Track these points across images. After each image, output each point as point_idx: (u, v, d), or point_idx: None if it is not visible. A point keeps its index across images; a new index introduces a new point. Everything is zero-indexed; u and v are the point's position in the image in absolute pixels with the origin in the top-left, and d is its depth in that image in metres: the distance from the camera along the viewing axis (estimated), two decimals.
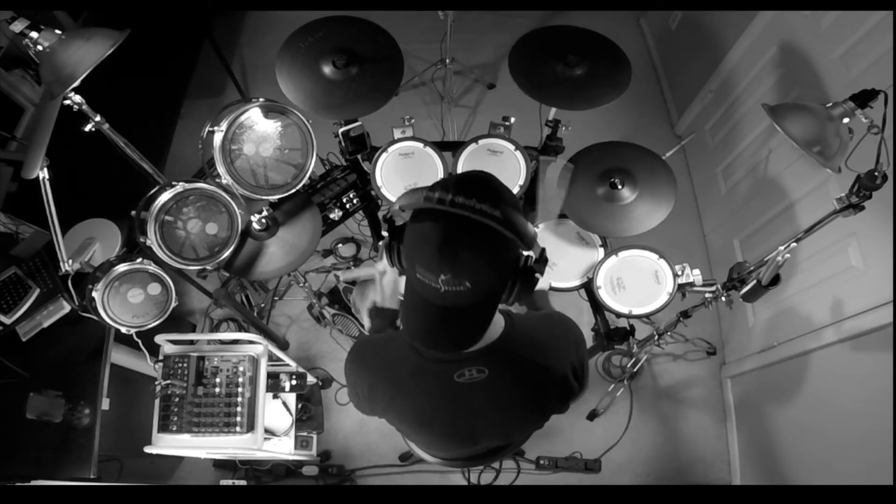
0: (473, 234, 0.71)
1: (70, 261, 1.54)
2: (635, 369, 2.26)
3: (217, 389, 1.58)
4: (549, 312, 1.07)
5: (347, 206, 1.85)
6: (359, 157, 1.84)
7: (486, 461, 1.51)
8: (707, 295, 1.65)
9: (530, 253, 0.77)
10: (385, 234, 0.86)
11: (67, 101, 1.31)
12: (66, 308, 1.72)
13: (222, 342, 1.67)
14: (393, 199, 1.68)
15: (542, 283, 1.32)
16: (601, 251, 1.71)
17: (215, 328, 2.50)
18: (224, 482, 2.11)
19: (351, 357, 1.02)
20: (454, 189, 0.71)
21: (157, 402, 1.56)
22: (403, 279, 1.21)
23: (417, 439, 1.30)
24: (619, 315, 1.61)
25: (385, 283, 1.22)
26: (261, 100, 1.51)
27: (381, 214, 1.83)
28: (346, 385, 1.12)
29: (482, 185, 0.74)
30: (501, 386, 0.91)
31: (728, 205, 2.48)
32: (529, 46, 1.65)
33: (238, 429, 1.55)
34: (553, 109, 1.73)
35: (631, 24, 3.34)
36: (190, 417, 1.55)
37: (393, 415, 1.01)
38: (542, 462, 2.23)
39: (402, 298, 1.21)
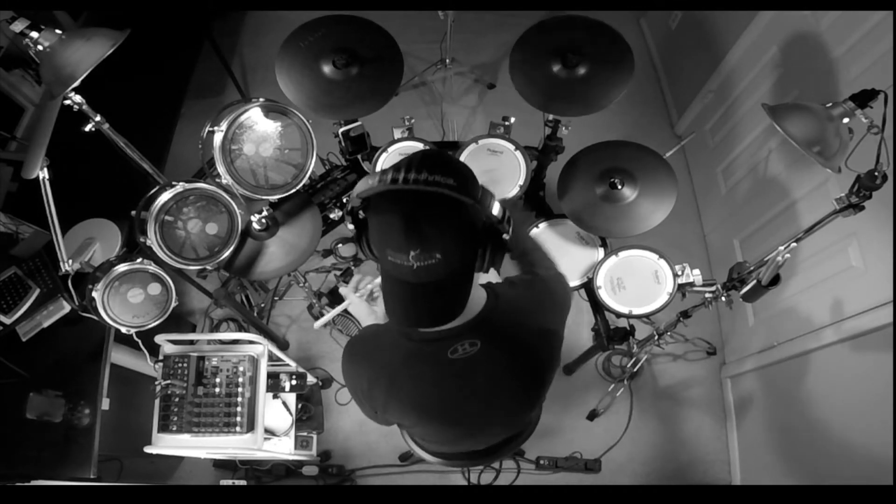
0: (433, 205, 0.73)
1: (70, 261, 1.54)
2: (635, 369, 2.26)
3: (217, 389, 1.58)
4: (532, 279, 1.08)
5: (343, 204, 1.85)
6: (359, 157, 1.84)
7: (488, 460, 1.50)
8: (707, 295, 1.65)
9: (493, 212, 0.78)
10: (351, 226, 0.88)
11: (67, 101, 1.31)
12: (66, 308, 1.72)
13: (222, 342, 1.67)
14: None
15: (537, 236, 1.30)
16: (601, 251, 1.71)
17: (215, 328, 2.50)
18: (224, 482, 2.11)
19: (345, 356, 1.02)
20: (405, 168, 0.73)
21: (157, 402, 1.56)
22: (367, 304, 1.24)
23: (422, 430, 1.27)
24: (619, 315, 1.62)
25: (356, 312, 1.25)
26: (261, 100, 1.51)
27: (338, 214, 1.83)
28: (346, 387, 1.12)
29: (431, 159, 0.76)
30: (496, 355, 0.92)
31: (728, 205, 2.48)
32: (530, 46, 1.64)
33: (238, 429, 1.55)
34: None
35: (631, 24, 3.34)
36: (190, 417, 1.55)
37: (395, 407, 1.00)
38: (542, 462, 2.23)
39: (377, 309, 1.24)
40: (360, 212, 0.84)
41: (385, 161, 1.75)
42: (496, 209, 0.77)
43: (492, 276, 1.20)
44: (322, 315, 2.17)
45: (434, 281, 0.76)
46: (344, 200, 1.86)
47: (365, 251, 0.88)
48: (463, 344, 0.89)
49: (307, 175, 1.61)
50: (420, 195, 0.73)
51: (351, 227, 0.87)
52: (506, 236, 0.80)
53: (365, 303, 1.25)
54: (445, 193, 0.72)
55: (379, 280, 1.24)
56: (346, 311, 1.30)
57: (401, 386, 0.96)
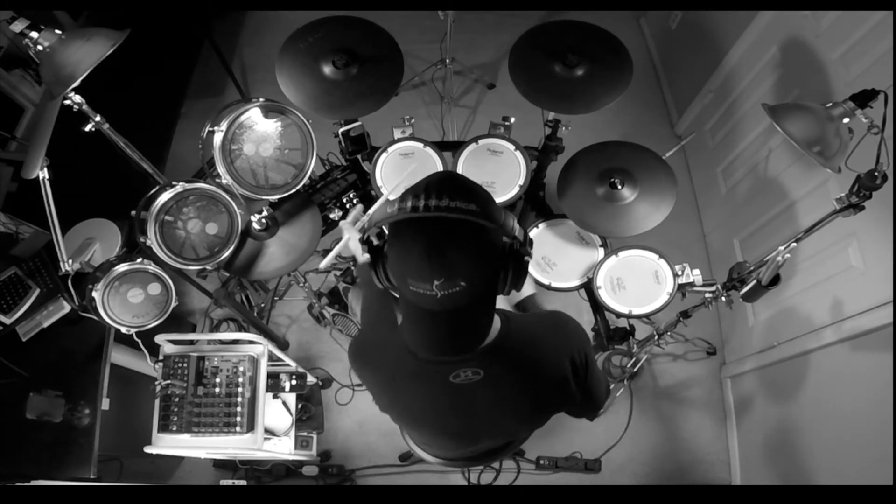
0: (456, 232, 0.71)
1: (70, 261, 1.54)
2: (635, 369, 2.26)
3: (217, 389, 1.58)
4: (547, 312, 1.06)
5: (347, 206, 1.85)
6: (359, 157, 1.84)
7: (487, 461, 1.51)
8: (707, 295, 1.64)
9: (514, 239, 0.77)
10: (366, 256, 0.85)
11: (67, 101, 1.31)
12: (66, 308, 1.72)
13: (222, 342, 1.67)
14: (393, 199, 1.68)
15: (529, 289, 1.32)
16: (601, 251, 1.71)
17: (215, 328, 2.50)
18: (224, 482, 2.11)
19: (353, 356, 1.03)
20: (425, 194, 0.70)
21: (157, 402, 1.56)
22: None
23: (420, 437, 1.30)
24: (619, 315, 1.61)
25: (354, 248, 1.23)
26: (261, 100, 1.51)
27: (338, 214, 1.83)
28: (348, 384, 1.13)
29: (451, 183, 0.74)
30: (497, 385, 0.91)
31: (728, 205, 2.48)
32: (530, 46, 1.64)
33: (238, 429, 1.55)
34: None
35: (631, 24, 3.34)
36: (190, 417, 1.55)
37: (396, 414, 1.03)
38: (542, 462, 2.23)
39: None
40: (375, 240, 0.83)
41: (385, 161, 1.75)
42: (518, 231, 0.76)
43: (502, 303, 1.19)
44: (323, 314, 2.17)
45: (458, 308, 0.75)
46: (354, 201, 1.85)
47: (381, 280, 0.85)
48: (466, 371, 0.87)
49: (307, 175, 1.61)
50: (442, 222, 0.70)
51: (366, 256, 0.85)
52: (527, 258, 0.79)
53: (354, 234, 1.23)
54: (469, 220, 0.70)
55: (377, 208, 1.24)
56: (347, 310, 1.30)
57: (404, 400, 0.98)
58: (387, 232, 0.80)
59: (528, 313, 1.03)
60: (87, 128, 1.38)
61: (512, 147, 1.75)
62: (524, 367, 0.91)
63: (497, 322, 0.90)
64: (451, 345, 0.83)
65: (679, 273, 1.59)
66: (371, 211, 1.23)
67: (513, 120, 1.77)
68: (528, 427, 1.06)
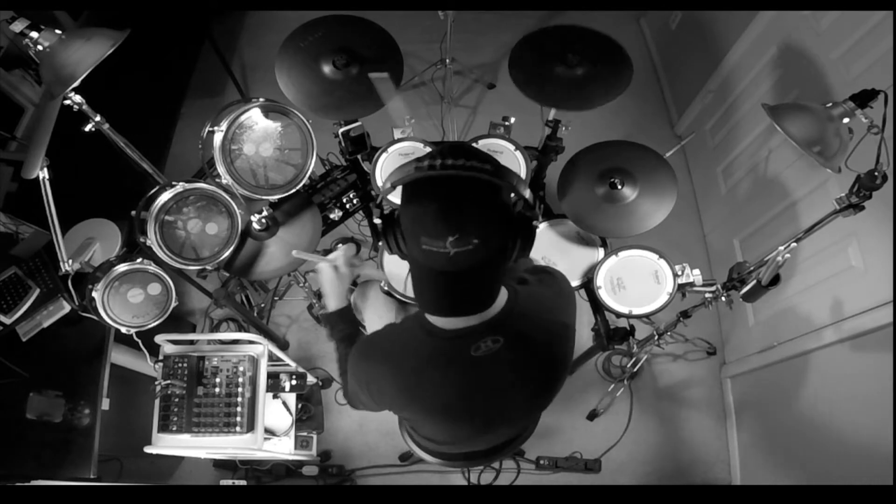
0: (472, 189, 0.75)
1: (70, 261, 1.54)
2: (635, 369, 2.26)
3: (217, 389, 1.58)
4: (542, 270, 1.10)
5: (347, 206, 1.85)
6: (359, 157, 1.84)
7: (487, 460, 1.50)
8: (707, 295, 1.64)
9: (524, 195, 0.79)
10: (378, 221, 0.88)
11: (67, 101, 1.31)
12: (66, 308, 1.72)
13: (222, 342, 1.67)
14: (393, 199, 1.69)
15: None
16: (601, 251, 1.71)
17: (215, 328, 2.50)
18: (224, 482, 2.11)
19: (359, 354, 1.01)
20: (440, 155, 0.74)
21: (157, 402, 1.56)
22: (333, 270, 1.21)
23: (433, 428, 1.24)
24: (619, 315, 1.61)
25: (322, 278, 1.23)
26: (261, 100, 1.51)
27: (338, 214, 1.84)
28: (348, 384, 1.11)
29: (466, 147, 0.77)
30: (519, 351, 0.92)
31: (728, 205, 2.48)
32: (529, 47, 1.64)
33: (238, 429, 1.55)
34: (553, 109, 1.73)
35: (631, 24, 3.34)
36: (190, 417, 1.55)
37: (418, 408, 1.00)
38: (542, 462, 2.23)
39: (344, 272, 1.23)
40: (386, 208, 0.85)
41: (385, 161, 1.75)
42: (528, 194, 0.79)
43: None
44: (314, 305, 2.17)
45: (469, 267, 0.77)
46: (354, 201, 1.85)
47: (391, 245, 0.88)
48: (486, 341, 0.89)
49: (307, 175, 1.61)
50: (458, 180, 0.74)
51: (378, 221, 0.88)
52: (536, 223, 0.82)
53: (332, 268, 1.23)
54: (484, 178, 0.73)
55: (373, 272, 1.24)
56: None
57: (426, 384, 0.95)
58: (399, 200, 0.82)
59: (524, 280, 1.04)
60: (87, 128, 1.38)
61: (512, 147, 1.75)
62: (541, 326, 0.95)
63: (504, 291, 0.92)
64: (460, 303, 0.85)
65: (679, 273, 1.59)
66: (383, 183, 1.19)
67: (513, 120, 1.76)
68: (548, 393, 1.07)
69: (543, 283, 1.05)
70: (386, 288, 1.57)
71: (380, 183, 1.72)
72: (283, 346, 2.43)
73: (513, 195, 0.81)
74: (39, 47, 1.20)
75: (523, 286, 1.00)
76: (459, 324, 0.89)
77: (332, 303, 1.23)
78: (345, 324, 1.22)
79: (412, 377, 0.95)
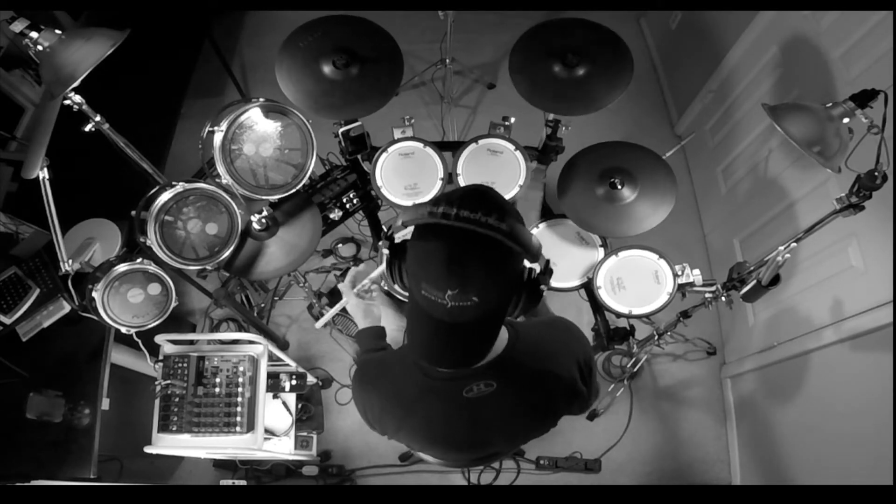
0: (481, 248, 0.70)
1: (70, 261, 1.54)
2: (635, 369, 2.26)
3: (217, 389, 1.58)
4: (551, 318, 1.07)
5: (347, 206, 1.85)
6: (359, 157, 1.84)
7: (488, 462, 1.51)
8: (707, 295, 1.65)
9: (536, 266, 0.77)
10: (385, 251, 0.85)
11: (67, 101, 1.31)
12: (66, 308, 1.72)
13: (222, 342, 1.67)
14: (393, 198, 1.69)
15: None
16: (601, 251, 1.71)
17: (215, 328, 2.50)
18: (224, 482, 2.11)
19: (357, 381, 1.03)
20: (458, 203, 0.69)
21: (157, 402, 1.56)
22: (363, 303, 1.24)
23: (429, 454, 1.30)
24: (619, 315, 1.61)
25: (352, 311, 1.25)
26: (261, 100, 1.51)
27: (338, 214, 1.87)
28: (348, 384, 1.12)
29: (486, 198, 0.72)
30: (510, 396, 0.91)
31: (728, 205, 2.48)
32: (530, 47, 1.64)
33: (238, 429, 1.55)
34: None
35: (631, 24, 3.34)
36: (190, 417, 1.55)
37: (405, 435, 1.01)
38: (542, 462, 2.23)
39: (374, 309, 1.25)
40: (398, 237, 0.82)
41: (385, 161, 1.75)
42: (542, 260, 0.76)
43: None
44: (322, 315, 2.18)
45: (465, 322, 0.74)
46: (354, 201, 1.86)
47: (395, 277, 0.85)
48: (479, 384, 0.87)
49: (307, 175, 1.61)
50: (470, 234, 0.69)
51: (386, 252, 0.84)
52: (544, 287, 0.78)
53: (362, 301, 1.25)
54: (498, 238, 0.69)
55: (376, 274, 1.25)
56: (343, 311, 1.30)
57: (414, 418, 0.96)
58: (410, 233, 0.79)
59: (531, 321, 1.03)
60: (87, 128, 1.38)
61: (512, 147, 1.75)
62: (536, 376, 0.92)
63: (504, 333, 0.90)
64: (451, 357, 0.81)
65: (679, 273, 1.59)
66: (400, 217, 1.22)
67: (513, 120, 1.76)
68: (540, 433, 1.06)
69: (552, 328, 1.02)
70: (386, 288, 1.56)
71: (380, 183, 1.72)
72: (283, 346, 2.43)
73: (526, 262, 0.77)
74: (39, 47, 1.20)
75: (529, 327, 0.98)
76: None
77: (361, 322, 1.25)
78: (371, 340, 1.23)
79: (402, 410, 0.96)
